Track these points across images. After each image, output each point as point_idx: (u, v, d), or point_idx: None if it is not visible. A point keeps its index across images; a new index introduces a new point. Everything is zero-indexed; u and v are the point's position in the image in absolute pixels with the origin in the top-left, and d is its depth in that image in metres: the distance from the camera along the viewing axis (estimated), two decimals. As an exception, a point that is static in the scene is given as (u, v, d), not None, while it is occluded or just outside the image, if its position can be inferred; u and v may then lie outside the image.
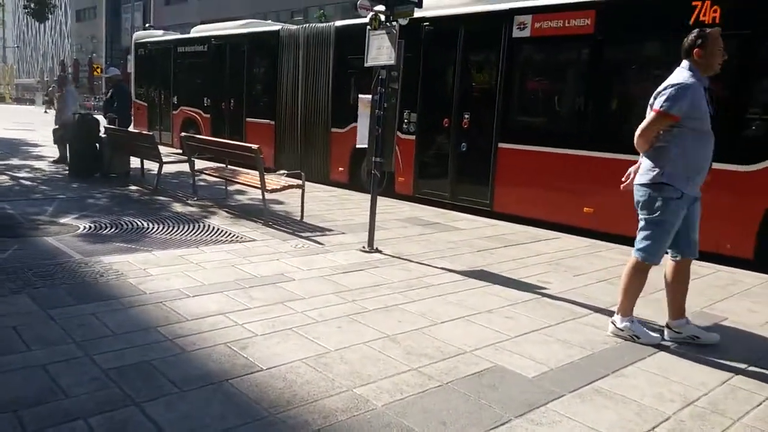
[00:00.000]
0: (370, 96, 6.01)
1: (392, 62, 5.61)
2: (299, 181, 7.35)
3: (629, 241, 6.90)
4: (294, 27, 11.97)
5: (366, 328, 3.80)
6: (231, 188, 9.02)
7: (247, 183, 7.67)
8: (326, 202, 8.82)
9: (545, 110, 8.51)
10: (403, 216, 7.96)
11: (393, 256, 5.77)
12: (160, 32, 17.36)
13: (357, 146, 6.60)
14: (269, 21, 15.28)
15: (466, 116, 8.70)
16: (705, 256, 6.33)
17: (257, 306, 4.08)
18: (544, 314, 4.31)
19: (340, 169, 10.75)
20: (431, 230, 7.19)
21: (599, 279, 5.39)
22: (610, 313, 4.41)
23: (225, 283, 4.54)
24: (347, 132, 10.24)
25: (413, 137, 9.35)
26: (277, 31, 12.04)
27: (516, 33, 8.03)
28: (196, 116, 14.35)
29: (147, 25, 38.83)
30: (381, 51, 5.70)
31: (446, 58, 9.04)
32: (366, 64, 5.90)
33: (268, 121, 12.22)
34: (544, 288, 4.98)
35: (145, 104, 16.36)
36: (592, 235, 7.23)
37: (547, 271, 5.57)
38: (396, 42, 5.59)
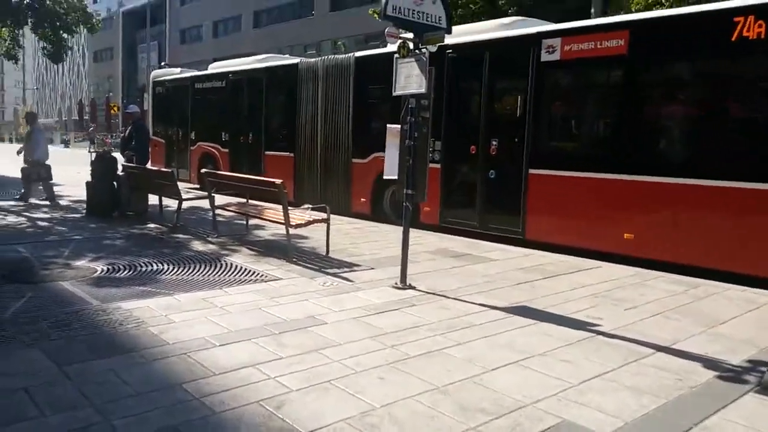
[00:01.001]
0: (398, 126, 5.72)
1: (423, 90, 5.33)
2: (324, 215, 7.05)
3: (675, 269, 6.57)
4: (312, 59, 11.82)
5: (411, 378, 3.43)
6: (251, 223, 8.75)
7: (272, 219, 7.38)
8: (350, 235, 8.50)
9: (578, 134, 8.19)
10: (431, 247, 7.61)
11: (428, 293, 5.42)
12: (178, 70, 17.37)
13: (384, 177, 6.30)
14: (287, 55, 15.17)
15: (494, 143, 8.40)
16: (745, 281, 5.95)
17: (290, 355, 3.74)
18: (603, 356, 3.92)
19: (362, 200, 10.46)
20: (463, 262, 6.83)
21: (653, 312, 4.98)
22: (674, 352, 4.04)
23: (253, 329, 4.21)
24: (369, 162, 9.99)
25: (438, 165, 9.04)
26: (296, 64, 11.90)
27: (545, 57, 7.75)
28: (215, 151, 14.21)
29: (162, 63, 39.27)
30: (410, 79, 5.43)
31: (471, 85, 8.81)
32: (394, 93, 5.61)
33: (287, 153, 12.01)
34: (596, 325, 4.59)
35: (163, 141, 16.30)
36: (632, 262, 6.82)
37: (595, 305, 5.17)
38: (426, 69, 5.32)
